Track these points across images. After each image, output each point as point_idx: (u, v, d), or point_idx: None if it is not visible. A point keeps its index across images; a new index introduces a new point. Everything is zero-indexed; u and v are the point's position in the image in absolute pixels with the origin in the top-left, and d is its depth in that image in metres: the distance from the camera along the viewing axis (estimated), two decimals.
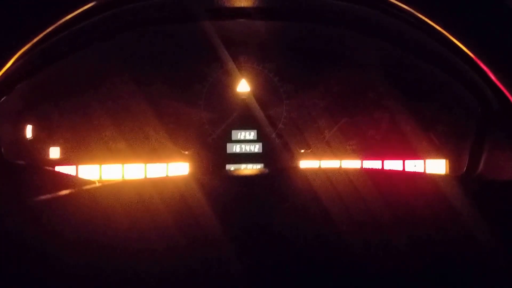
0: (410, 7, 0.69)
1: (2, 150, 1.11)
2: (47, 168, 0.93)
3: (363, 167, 1.28)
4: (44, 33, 0.70)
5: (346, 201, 0.52)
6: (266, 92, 1.29)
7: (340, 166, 1.28)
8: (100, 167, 1.24)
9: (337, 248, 0.40)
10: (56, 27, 0.72)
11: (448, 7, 0.66)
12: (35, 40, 0.70)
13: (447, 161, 1.29)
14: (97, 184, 0.83)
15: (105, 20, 1.05)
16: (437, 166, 1.29)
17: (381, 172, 1.24)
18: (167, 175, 1.25)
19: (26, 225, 0.44)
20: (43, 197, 0.53)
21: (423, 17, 0.69)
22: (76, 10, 0.70)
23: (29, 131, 1.22)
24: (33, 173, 0.90)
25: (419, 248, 0.41)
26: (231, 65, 1.27)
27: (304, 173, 0.69)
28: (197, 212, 0.47)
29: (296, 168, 1.12)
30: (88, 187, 0.61)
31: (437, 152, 1.29)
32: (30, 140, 1.22)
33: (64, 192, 0.56)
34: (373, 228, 0.45)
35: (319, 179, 0.59)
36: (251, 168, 1.28)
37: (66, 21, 0.72)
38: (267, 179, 0.63)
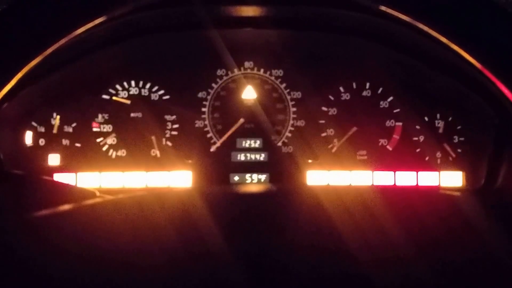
0: (422, 24, 0.66)
1: (2, 157, 1.09)
2: (46, 178, 0.90)
3: (375, 184, 1.22)
4: (53, 46, 0.68)
5: (358, 223, 0.50)
6: (273, 100, 1.25)
7: (350, 180, 1.23)
8: (100, 174, 1.21)
9: (349, 274, 0.38)
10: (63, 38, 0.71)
11: (459, 22, 0.64)
12: (44, 53, 0.69)
13: (464, 173, 1.22)
14: (98, 195, 0.80)
15: (111, 27, 1.04)
16: (453, 179, 1.22)
17: (394, 190, 1.19)
18: (169, 187, 1.21)
19: (26, 242, 0.44)
20: (43, 211, 0.53)
21: (435, 33, 0.66)
22: (86, 24, 0.68)
23: (29, 138, 1.20)
24: (32, 183, 0.88)
25: (436, 268, 0.39)
26: (237, 72, 1.24)
27: (313, 192, 0.66)
28: (201, 230, 0.45)
29: (304, 186, 1.07)
30: (89, 201, 0.61)
31: (453, 164, 1.22)
32: (30, 147, 1.20)
33: (65, 206, 0.56)
34: (387, 252, 0.43)
35: (329, 199, 0.57)
36: (256, 177, 1.23)
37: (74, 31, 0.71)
38: (274, 198, 0.60)
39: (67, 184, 0.91)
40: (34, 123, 1.20)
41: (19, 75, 0.69)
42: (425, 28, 0.66)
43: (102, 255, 0.40)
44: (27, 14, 0.64)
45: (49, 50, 0.68)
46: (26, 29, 0.65)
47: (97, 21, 0.68)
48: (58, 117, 1.21)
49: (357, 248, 0.43)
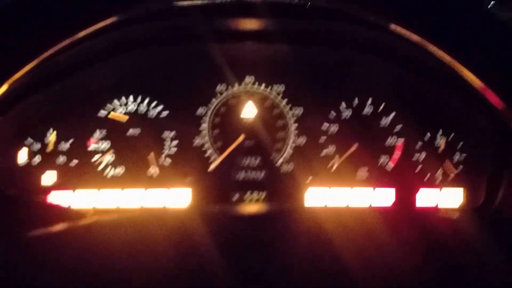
0: (429, 43, 0.65)
1: None
2: (40, 199, 0.88)
3: (374, 203, 1.21)
4: (45, 54, 0.66)
5: (355, 245, 0.50)
6: (273, 116, 1.23)
7: (350, 197, 1.21)
8: (97, 192, 1.18)
9: None
10: (56, 49, 0.68)
11: (464, 41, 0.63)
12: (36, 61, 0.66)
13: (464, 190, 1.22)
14: (92, 215, 0.78)
15: (109, 40, 1.01)
16: (453, 196, 1.22)
17: (392, 211, 1.19)
18: (165, 207, 1.19)
19: (21, 263, 0.43)
20: (38, 232, 0.52)
21: (435, 48, 0.65)
22: (79, 33, 0.66)
23: (24, 154, 1.16)
24: (26, 205, 0.86)
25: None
26: (238, 87, 1.22)
27: (311, 214, 0.66)
28: (199, 252, 0.45)
29: (302, 208, 1.06)
30: (85, 221, 0.60)
31: (454, 181, 1.22)
32: (25, 164, 1.17)
33: (60, 226, 0.55)
34: (386, 274, 0.43)
35: (327, 222, 0.56)
36: (255, 196, 1.22)
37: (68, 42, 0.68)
38: (272, 221, 0.59)
39: (60, 206, 0.90)
40: (28, 140, 1.17)
41: (10, 83, 0.67)
42: (430, 47, 0.65)
43: (98, 275, 0.40)
44: (21, 18, 0.62)
45: (44, 56, 0.66)
46: (20, 33, 0.63)
47: (92, 29, 0.66)
48: (55, 133, 1.18)
49: (355, 270, 0.43)
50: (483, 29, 0.63)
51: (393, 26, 0.64)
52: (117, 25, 0.73)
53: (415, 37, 0.65)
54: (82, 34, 0.66)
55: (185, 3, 0.78)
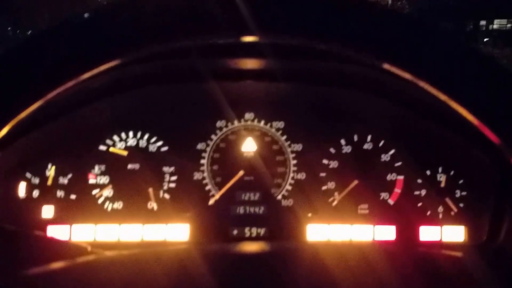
0: (422, 81, 0.66)
1: None
2: (38, 233, 0.88)
3: (376, 239, 1.20)
4: (50, 95, 0.67)
5: (359, 280, 0.49)
6: (273, 152, 1.23)
7: (351, 234, 1.20)
8: (96, 227, 1.18)
9: None
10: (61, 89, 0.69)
11: (458, 80, 0.63)
12: (40, 102, 0.67)
13: (466, 228, 1.20)
14: (89, 250, 0.77)
15: (110, 78, 1.03)
16: (455, 233, 1.21)
17: (395, 245, 1.17)
18: (166, 241, 1.18)
19: None
20: (37, 269, 0.52)
21: (427, 86, 0.65)
22: (84, 74, 0.67)
23: (22, 189, 1.17)
24: (23, 239, 0.86)
25: None
26: (237, 123, 1.23)
27: (313, 249, 0.65)
28: None
29: (305, 243, 1.05)
30: (84, 258, 0.59)
31: (455, 218, 1.21)
32: (23, 198, 1.17)
33: (59, 263, 0.54)
34: None
35: (330, 256, 0.56)
36: (255, 231, 1.21)
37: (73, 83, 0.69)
38: (274, 258, 0.59)
39: (59, 240, 0.89)
40: (28, 174, 1.17)
41: (13, 123, 0.67)
42: (425, 86, 0.65)
43: None
44: (25, 60, 0.63)
45: (49, 96, 0.66)
46: (22, 76, 0.64)
47: (95, 71, 0.67)
48: (53, 168, 1.18)
49: None
50: (476, 66, 0.63)
51: (386, 66, 0.64)
52: (119, 65, 0.74)
53: (407, 76, 0.65)
54: (87, 75, 0.66)
55: (186, 43, 0.80)
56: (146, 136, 1.21)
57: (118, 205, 1.19)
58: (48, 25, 0.65)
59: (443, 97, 0.65)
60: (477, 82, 0.62)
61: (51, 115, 1.05)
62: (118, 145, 1.20)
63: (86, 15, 0.61)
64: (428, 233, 1.21)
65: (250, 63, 1.08)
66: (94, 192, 1.19)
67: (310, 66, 1.09)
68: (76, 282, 0.49)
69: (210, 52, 0.99)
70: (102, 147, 1.19)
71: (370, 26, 0.58)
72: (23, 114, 0.65)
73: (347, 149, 1.22)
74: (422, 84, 0.65)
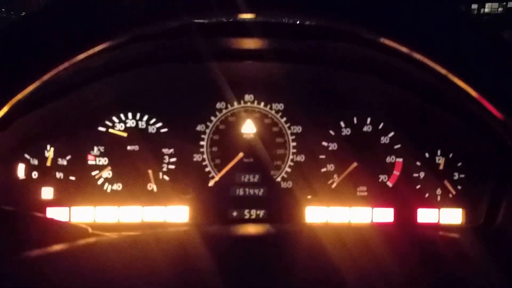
0: (421, 54, 0.65)
1: None
2: (38, 215, 0.87)
3: (374, 221, 1.20)
4: (48, 75, 0.66)
5: (357, 262, 0.50)
6: (272, 134, 1.23)
7: (349, 216, 1.21)
8: (95, 209, 1.18)
9: None
10: (59, 70, 0.68)
11: (460, 53, 0.63)
12: (38, 82, 0.66)
13: (464, 210, 1.21)
14: (90, 232, 0.77)
15: (108, 58, 1.01)
16: (452, 216, 1.21)
17: (394, 226, 1.18)
18: (165, 222, 1.18)
19: (20, 282, 0.43)
20: (37, 251, 0.51)
21: (436, 66, 0.65)
22: (81, 54, 0.66)
23: (21, 170, 1.16)
24: (23, 220, 0.86)
25: None
26: (237, 105, 1.22)
27: (312, 231, 0.65)
28: (199, 273, 0.45)
29: (304, 225, 1.06)
30: (84, 240, 0.59)
31: (453, 201, 1.21)
32: (22, 180, 1.16)
33: (60, 246, 0.54)
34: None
35: (328, 238, 0.56)
36: (254, 213, 1.21)
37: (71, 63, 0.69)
38: (273, 240, 0.59)
39: (59, 221, 0.89)
40: (27, 156, 1.17)
41: (12, 103, 0.67)
42: (426, 60, 0.65)
43: None
44: (20, 41, 0.62)
45: (45, 77, 0.66)
46: (22, 55, 0.63)
47: (95, 49, 0.66)
48: (52, 149, 1.17)
49: (357, 287, 0.43)
50: (477, 39, 0.62)
51: (383, 40, 0.63)
52: (118, 45, 0.74)
53: (404, 49, 0.64)
54: (84, 55, 0.66)
55: (185, 22, 0.79)
56: (145, 117, 1.20)
57: (118, 186, 1.19)
58: (42, 6, 0.64)
59: (443, 71, 0.65)
60: (478, 55, 0.61)
61: (50, 96, 1.04)
62: (118, 126, 1.19)
63: None
64: (426, 215, 1.22)
65: (249, 43, 1.07)
66: (94, 173, 1.18)
67: (310, 47, 1.09)
68: (76, 264, 0.49)
69: (209, 31, 0.98)
70: (101, 128, 1.19)
71: (367, 0, 0.58)
72: (19, 96, 0.65)
73: (346, 131, 1.22)
74: (423, 58, 0.65)
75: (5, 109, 0.65)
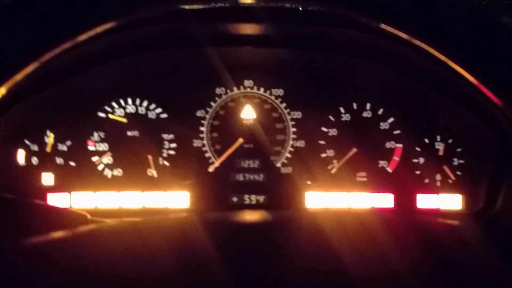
0: (421, 41, 0.65)
1: None
2: (38, 201, 0.88)
3: (374, 207, 1.21)
4: (45, 57, 0.65)
5: (357, 248, 0.50)
6: (272, 120, 1.23)
7: (349, 202, 1.21)
8: (95, 194, 1.18)
9: None
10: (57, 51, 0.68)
11: (459, 39, 0.62)
12: (36, 64, 0.66)
13: (463, 196, 1.22)
14: (89, 218, 0.78)
15: (108, 43, 1.01)
16: (452, 201, 1.22)
17: (394, 212, 1.18)
18: (166, 208, 1.19)
19: (19, 267, 0.43)
20: (38, 238, 0.52)
21: (434, 51, 0.64)
22: (79, 36, 0.66)
23: (21, 156, 1.16)
24: (23, 207, 0.86)
25: None
26: (237, 90, 1.22)
27: (312, 217, 0.65)
28: (199, 259, 0.45)
29: (303, 210, 1.06)
30: (85, 227, 0.59)
31: (453, 186, 1.22)
32: (22, 166, 1.16)
33: (60, 232, 0.54)
34: (387, 276, 0.43)
35: (328, 223, 0.56)
36: (254, 199, 1.21)
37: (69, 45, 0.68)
38: (273, 225, 0.59)
39: (58, 207, 0.89)
40: (26, 141, 1.16)
41: (9, 85, 0.67)
42: (425, 46, 0.64)
43: (99, 282, 0.40)
44: (24, 18, 0.62)
45: (44, 58, 0.65)
46: (20, 35, 0.63)
47: (97, 30, 0.66)
48: (52, 135, 1.17)
49: (357, 272, 0.43)
50: (476, 26, 0.62)
51: (383, 26, 0.63)
52: (117, 28, 0.73)
53: (405, 36, 0.64)
54: (83, 37, 0.65)
55: (184, 7, 0.78)
56: (145, 103, 1.20)
57: (118, 172, 1.19)
58: None
59: (442, 57, 0.64)
60: (477, 41, 0.61)
61: (49, 81, 1.04)
62: (117, 112, 1.19)
63: None
64: (425, 201, 1.22)
65: (249, 29, 1.07)
66: (94, 159, 1.19)
67: (310, 32, 1.08)
68: (77, 250, 0.49)
69: (209, 16, 0.97)
70: (101, 114, 1.19)
71: None
72: (18, 76, 0.65)
73: (346, 117, 1.22)
74: (422, 44, 0.64)
75: (3, 91, 0.65)
